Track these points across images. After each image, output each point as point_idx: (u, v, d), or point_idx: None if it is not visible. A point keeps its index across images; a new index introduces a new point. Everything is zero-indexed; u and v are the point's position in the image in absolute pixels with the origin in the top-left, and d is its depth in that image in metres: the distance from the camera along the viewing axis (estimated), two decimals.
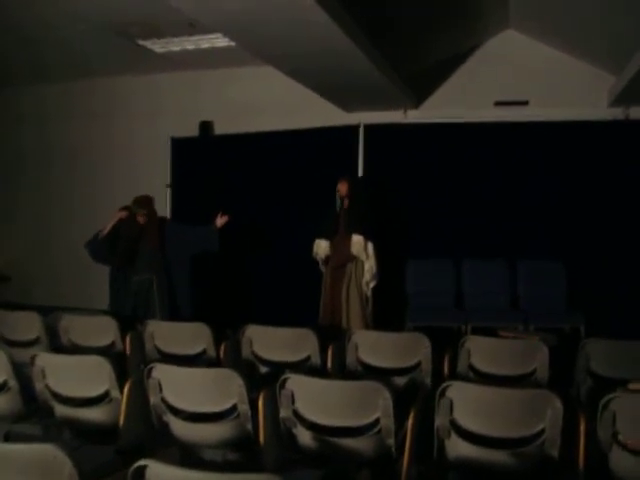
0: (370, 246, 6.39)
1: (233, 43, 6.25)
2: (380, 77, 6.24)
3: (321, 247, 6.58)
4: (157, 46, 7.45)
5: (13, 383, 3.73)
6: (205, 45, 7.35)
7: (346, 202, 6.55)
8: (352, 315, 6.45)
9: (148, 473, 2.07)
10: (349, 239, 6.40)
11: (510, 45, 7.33)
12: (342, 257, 6.47)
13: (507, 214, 7.26)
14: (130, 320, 5.40)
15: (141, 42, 7.28)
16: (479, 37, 7.39)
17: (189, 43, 7.31)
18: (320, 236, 6.59)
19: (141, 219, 5.97)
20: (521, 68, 7.22)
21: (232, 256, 6.89)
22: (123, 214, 6.00)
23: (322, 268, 6.67)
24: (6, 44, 7.40)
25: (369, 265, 6.40)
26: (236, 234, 6.53)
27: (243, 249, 7.74)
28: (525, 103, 7.31)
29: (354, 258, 6.42)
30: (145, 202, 6.03)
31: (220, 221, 6.06)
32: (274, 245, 7.83)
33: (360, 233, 6.37)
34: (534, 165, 7.22)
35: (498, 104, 7.38)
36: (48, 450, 2.18)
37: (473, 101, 7.41)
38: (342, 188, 6.55)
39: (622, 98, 6.62)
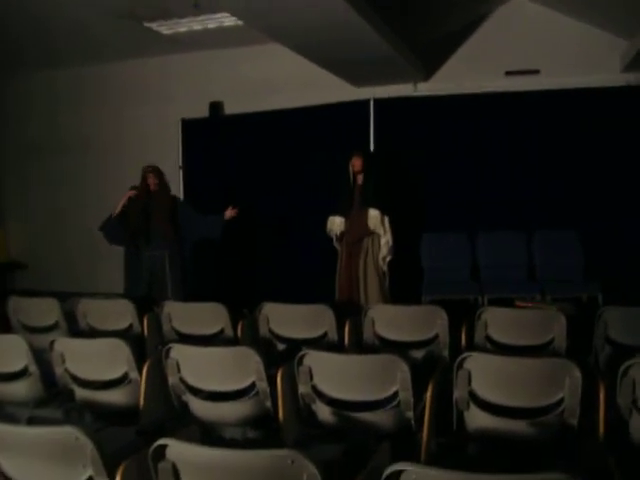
0: (387, 220, 6.36)
1: (240, 22, 6.20)
2: (388, 49, 6.19)
3: (335, 223, 6.52)
4: (164, 28, 7.42)
5: (33, 368, 3.76)
6: (212, 25, 7.30)
7: (360, 177, 6.50)
8: (370, 290, 6.43)
9: (169, 452, 2.09)
10: (365, 214, 6.36)
11: (519, 13, 7.24)
12: (358, 232, 6.43)
13: (521, 184, 7.21)
14: (147, 302, 5.42)
15: (147, 24, 7.24)
16: (489, 5, 7.30)
17: (196, 23, 7.27)
18: (334, 212, 6.55)
19: (152, 182, 5.99)
20: (531, 36, 7.14)
21: (245, 237, 6.88)
22: (132, 193, 6.02)
23: (336, 245, 6.64)
24: (16, 30, 7.39)
25: (385, 239, 6.37)
26: (249, 216, 6.53)
27: (256, 231, 7.76)
28: (536, 72, 7.23)
29: (371, 233, 6.39)
30: (154, 166, 6.08)
31: (229, 213, 6.05)
32: (287, 224, 7.82)
33: (376, 207, 6.33)
34: (547, 134, 7.14)
35: (509, 74, 7.31)
36: (70, 432, 2.20)
37: (483, 71, 7.33)
38: (357, 163, 6.48)
39: (635, 63, 6.53)
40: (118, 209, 5.96)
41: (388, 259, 6.46)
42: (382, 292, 6.44)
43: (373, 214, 6.34)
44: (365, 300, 6.36)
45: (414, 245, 7.13)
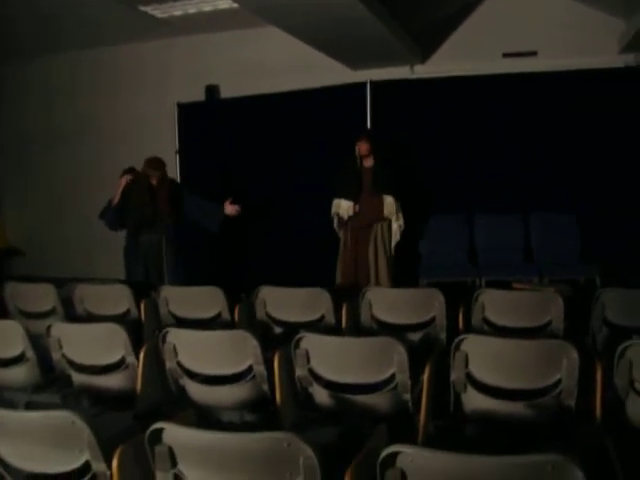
0: (399, 206, 6.32)
1: (235, 5, 6.15)
2: (383, 30, 6.12)
3: (342, 207, 6.41)
4: (158, 11, 7.37)
5: (31, 354, 3.76)
6: (207, 8, 7.25)
7: (368, 161, 6.43)
8: (380, 275, 6.38)
9: (165, 435, 2.09)
10: (378, 200, 6.30)
11: None
12: (369, 217, 6.36)
13: (518, 167, 7.17)
14: (144, 287, 5.41)
15: (142, 8, 7.19)
16: None
17: (191, 7, 7.22)
18: (340, 196, 6.46)
19: (154, 181, 5.98)
20: (528, 18, 7.07)
21: (242, 220, 6.85)
22: (127, 178, 5.99)
23: (337, 229, 6.58)
24: (11, 16, 7.33)
25: (397, 224, 6.33)
26: (246, 202, 6.48)
27: (252, 215, 7.74)
28: (534, 54, 7.18)
29: (383, 219, 6.34)
30: (159, 164, 6.04)
31: (230, 209, 6.01)
32: (284, 208, 7.80)
33: (391, 193, 6.28)
34: (545, 116, 7.10)
35: (506, 56, 7.26)
36: (67, 417, 2.21)
37: (481, 53, 7.28)
38: (362, 147, 6.38)
39: (633, 44, 6.48)
40: (117, 197, 5.93)
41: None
42: (391, 277, 6.41)
43: (389, 201, 6.29)
44: (376, 285, 6.30)
45: (412, 228, 7.10)
